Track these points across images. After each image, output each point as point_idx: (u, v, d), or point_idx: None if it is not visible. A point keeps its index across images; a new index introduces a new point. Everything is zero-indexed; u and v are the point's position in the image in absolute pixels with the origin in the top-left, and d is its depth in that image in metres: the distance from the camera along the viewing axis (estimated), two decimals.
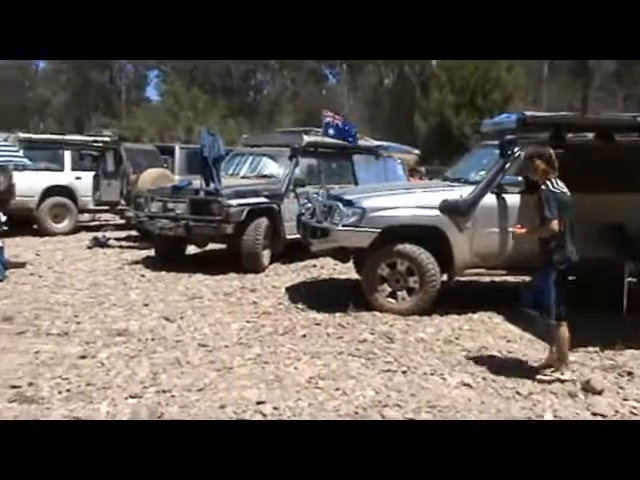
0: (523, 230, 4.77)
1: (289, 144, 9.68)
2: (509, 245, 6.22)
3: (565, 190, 4.49)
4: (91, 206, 13.07)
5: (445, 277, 6.55)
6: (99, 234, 11.48)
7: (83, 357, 4.84)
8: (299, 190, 9.17)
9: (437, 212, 6.23)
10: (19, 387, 4.13)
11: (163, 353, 4.99)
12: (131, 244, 11.27)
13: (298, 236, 7.79)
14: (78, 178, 12.88)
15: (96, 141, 12.88)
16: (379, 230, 6.25)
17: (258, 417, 3.82)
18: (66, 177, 12.85)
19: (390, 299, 6.36)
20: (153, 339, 5.38)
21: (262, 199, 8.78)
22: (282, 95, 46.16)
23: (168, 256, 9.24)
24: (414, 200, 6.50)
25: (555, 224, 4.36)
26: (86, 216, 14.15)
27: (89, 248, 10.71)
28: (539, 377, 4.57)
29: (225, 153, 9.11)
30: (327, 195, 7.32)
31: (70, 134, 15.30)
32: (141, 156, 11.56)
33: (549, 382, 4.48)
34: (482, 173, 6.56)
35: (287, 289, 7.50)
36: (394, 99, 38.25)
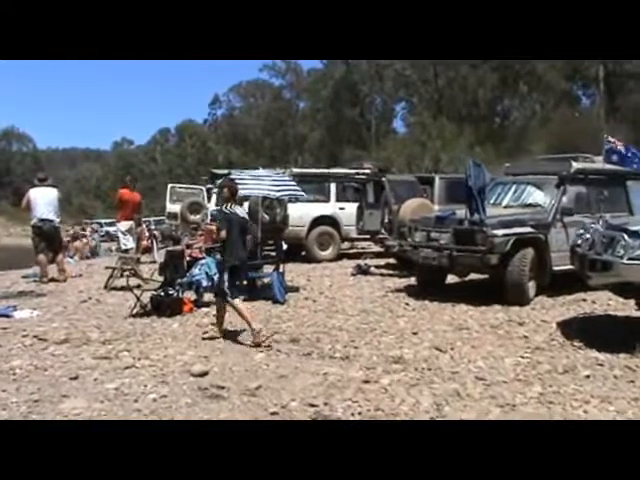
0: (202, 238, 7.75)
1: (556, 172, 9.25)
2: None
3: (237, 212, 6.55)
4: (353, 235, 13.85)
5: None
6: (361, 262, 12.05)
7: (366, 382, 5.08)
8: (566, 219, 8.72)
9: None
10: (316, 406, 4.47)
11: (442, 384, 5.04)
12: (390, 272, 11.64)
13: (566, 267, 7.35)
14: (342, 209, 13.78)
15: (358, 174, 13.61)
16: None
17: None
18: (331, 208, 13.86)
19: None
20: (429, 369, 5.46)
21: (528, 229, 8.48)
22: (530, 120, 44.29)
23: (429, 285, 9.36)
24: None
25: (223, 233, 6.53)
26: (346, 244, 15.02)
27: (352, 275, 11.30)
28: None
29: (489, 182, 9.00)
30: (607, 225, 6.78)
31: (332, 168, 16.43)
32: (402, 187, 11.86)
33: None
34: None
35: (558, 324, 7.10)
36: None
